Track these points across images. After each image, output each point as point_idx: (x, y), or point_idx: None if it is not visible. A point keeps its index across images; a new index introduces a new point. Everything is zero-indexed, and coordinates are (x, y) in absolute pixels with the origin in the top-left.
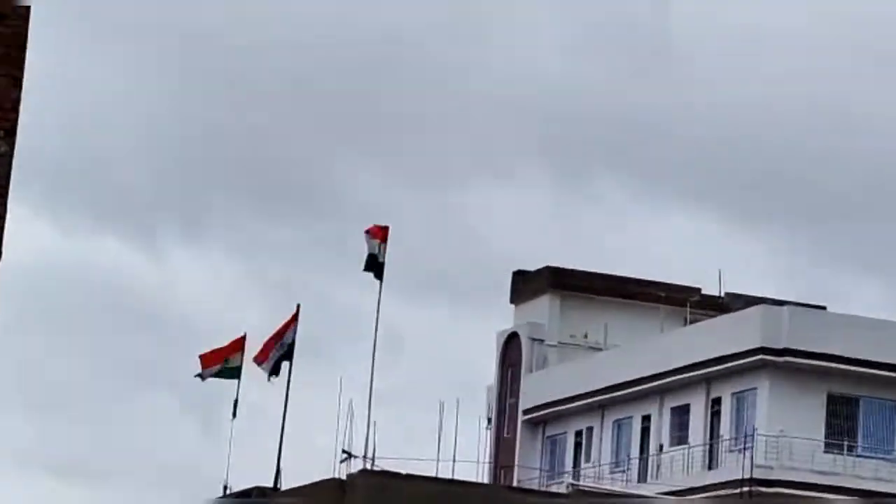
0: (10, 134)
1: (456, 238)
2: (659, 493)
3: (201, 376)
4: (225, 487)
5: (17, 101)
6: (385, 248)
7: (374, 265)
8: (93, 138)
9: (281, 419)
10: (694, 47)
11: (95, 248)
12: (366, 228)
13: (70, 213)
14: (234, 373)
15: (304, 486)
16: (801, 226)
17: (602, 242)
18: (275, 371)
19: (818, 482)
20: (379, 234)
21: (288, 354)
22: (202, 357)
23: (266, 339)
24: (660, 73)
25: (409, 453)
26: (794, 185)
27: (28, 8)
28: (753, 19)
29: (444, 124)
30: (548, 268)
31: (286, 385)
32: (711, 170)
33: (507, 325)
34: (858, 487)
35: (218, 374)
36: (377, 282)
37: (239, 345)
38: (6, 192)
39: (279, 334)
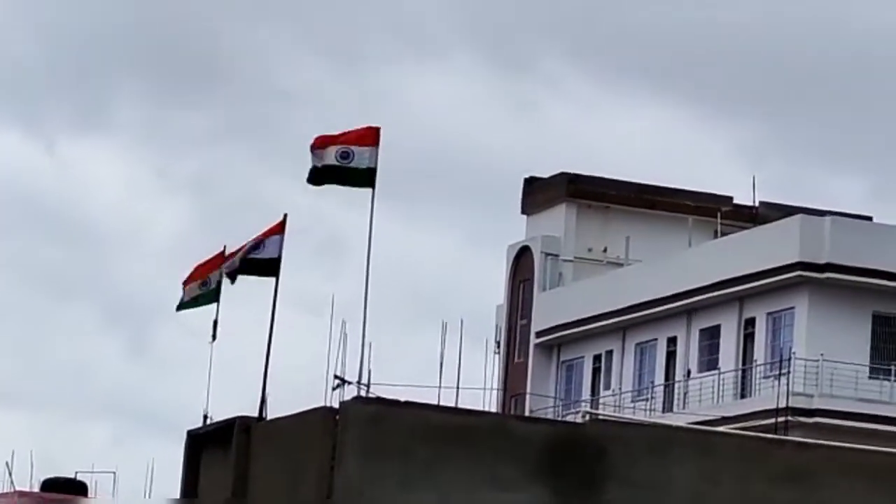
0: None
1: (412, 131)
2: (686, 424)
3: (182, 306)
4: (205, 417)
5: None
6: (377, 153)
7: (343, 176)
8: None
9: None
10: None
11: None
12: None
13: None
14: (214, 296)
15: (292, 416)
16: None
17: (569, 138)
18: (231, 277)
19: (862, 411)
20: (369, 137)
21: (273, 270)
22: (184, 283)
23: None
24: None
25: (408, 380)
26: (770, 74)
27: None
28: None
29: None
30: (563, 174)
31: (272, 304)
32: (676, 57)
33: (518, 239)
34: None
35: (195, 303)
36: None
37: (218, 262)
38: None
39: (256, 244)
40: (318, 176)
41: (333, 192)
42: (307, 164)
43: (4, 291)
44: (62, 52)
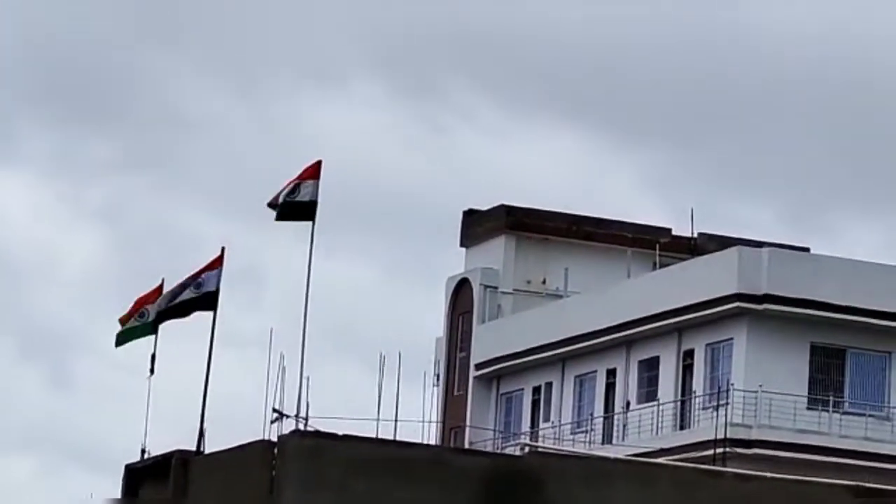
0: None
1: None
2: (625, 456)
3: (120, 341)
4: (143, 451)
5: None
6: (318, 186)
7: (292, 211)
8: None
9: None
10: None
11: None
12: (296, 178)
13: None
14: (151, 328)
15: (230, 449)
16: (681, 148)
17: (483, 166)
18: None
19: (801, 442)
20: (310, 172)
21: (210, 304)
22: (122, 319)
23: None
24: None
25: (346, 413)
26: (669, 105)
27: None
28: None
29: (265, 25)
30: (502, 206)
31: (210, 337)
32: (584, 85)
33: (457, 271)
34: (845, 448)
35: (132, 334)
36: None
37: (156, 294)
38: None
39: (193, 277)
40: (281, 213)
41: (248, 224)
42: (212, 192)
43: None
44: None
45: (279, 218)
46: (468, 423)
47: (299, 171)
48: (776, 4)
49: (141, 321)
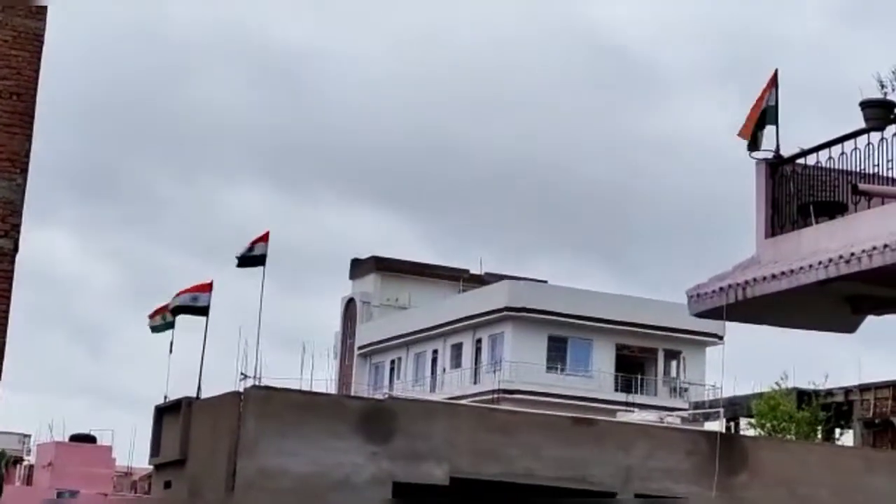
0: None
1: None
2: (443, 399)
3: (154, 331)
4: (165, 397)
5: None
6: (267, 247)
7: (252, 261)
8: None
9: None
10: (324, 85)
11: None
12: (252, 240)
13: None
14: (171, 325)
15: (215, 396)
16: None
17: (357, 235)
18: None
19: (542, 391)
20: (265, 238)
21: (205, 312)
22: (151, 315)
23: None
24: (313, 111)
25: (285, 376)
26: (433, 186)
27: None
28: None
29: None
30: (373, 256)
31: (205, 332)
32: (396, 184)
33: (347, 293)
34: (567, 394)
35: (161, 330)
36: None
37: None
38: None
39: (195, 293)
40: (242, 262)
41: (221, 267)
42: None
43: None
44: None
45: (241, 265)
46: (353, 381)
47: (251, 238)
48: (500, 128)
49: (164, 322)
